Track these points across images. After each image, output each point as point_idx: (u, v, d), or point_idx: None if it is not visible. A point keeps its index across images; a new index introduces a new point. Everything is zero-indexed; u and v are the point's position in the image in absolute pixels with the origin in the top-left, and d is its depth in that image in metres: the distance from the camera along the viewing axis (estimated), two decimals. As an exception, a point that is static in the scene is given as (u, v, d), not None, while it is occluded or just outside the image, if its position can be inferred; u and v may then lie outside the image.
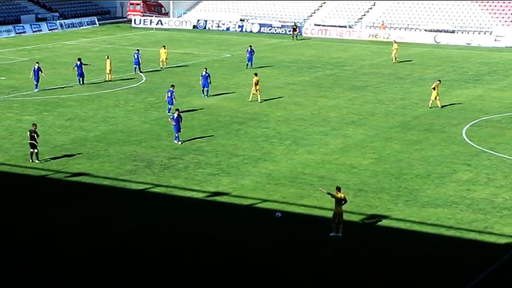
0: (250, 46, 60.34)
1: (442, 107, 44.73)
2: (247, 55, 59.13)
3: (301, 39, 76.84)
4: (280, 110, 44.48)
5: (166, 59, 57.78)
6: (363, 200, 29.07)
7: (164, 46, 59.13)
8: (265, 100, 46.42)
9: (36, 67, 48.91)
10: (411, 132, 39.40)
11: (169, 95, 42.05)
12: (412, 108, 45.14)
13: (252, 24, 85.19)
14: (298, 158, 34.61)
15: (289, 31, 79.77)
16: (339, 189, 25.69)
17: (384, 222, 26.98)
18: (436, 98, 44.86)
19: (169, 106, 42.08)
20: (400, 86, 48.85)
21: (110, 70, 51.88)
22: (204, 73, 44.76)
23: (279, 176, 31.76)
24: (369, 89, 51.27)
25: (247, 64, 59.03)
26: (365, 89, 51.27)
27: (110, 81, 51.35)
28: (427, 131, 39.68)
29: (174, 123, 36.41)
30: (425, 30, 79.07)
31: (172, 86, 43.28)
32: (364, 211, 27.96)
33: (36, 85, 48.63)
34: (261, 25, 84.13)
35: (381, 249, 24.73)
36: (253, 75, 46.67)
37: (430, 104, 44.97)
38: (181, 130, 36.80)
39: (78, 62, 51.08)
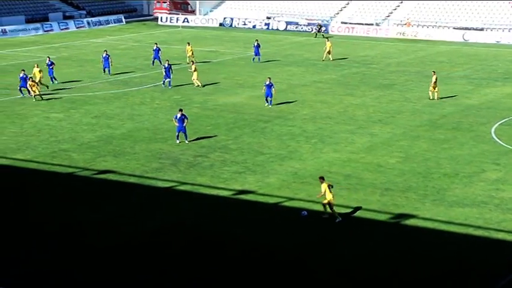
0: (257, 40, 61.07)
1: (440, 98, 45.75)
2: (254, 49, 60.27)
3: (321, 37, 76.64)
4: (306, 108, 44.39)
5: (192, 55, 57.69)
6: (389, 199, 28.90)
7: (189, 43, 59.19)
8: (287, 100, 46.34)
9: (104, 55, 53.10)
10: (439, 131, 39.10)
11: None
12: (440, 107, 44.80)
13: (279, 22, 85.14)
14: (324, 157, 34.51)
15: (315, 29, 79.71)
16: (323, 178, 26.79)
17: (411, 222, 26.81)
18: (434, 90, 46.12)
19: (166, 80, 48.48)
20: (428, 84, 48.47)
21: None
22: (267, 82, 44.28)
23: (305, 175, 31.68)
24: (395, 87, 50.98)
25: (254, 59, 60.10)
26: (392, 87, 50.99)
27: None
28: (455, 130, 39.36)
29: (177, 124, 36.18)
30: (454, 28, 78.44)
31: (167, 60, 49.70)
32: (391, 210, 27.80)
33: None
34: (287, 23, 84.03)
35: (407, 249, 24.57)
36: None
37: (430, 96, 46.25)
38: (186, 130, 36.22)
39: (104, 54, 53.27)
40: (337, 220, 26.37)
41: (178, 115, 36.15)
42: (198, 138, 37.24)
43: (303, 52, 65.73)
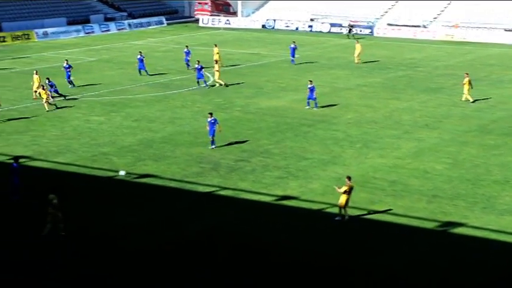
0: (294, 42, 61.13)
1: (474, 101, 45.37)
2: (290, 51, 60.50)
3: (356, 38, 76.22)
4: (350, 112, 44.20)
5: (218, 57, 55.37)
6: (437, 207, 28.60)
7: (216, 45, 59.00)
8: (329, 103, 46.17)
9: (139, 56, 54.09)
10: (489, 137, 38.57)
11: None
12: (490, 111, 44.21)
13: (322, 23, 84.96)
14: (369, 162, 34.31)
15: (346, 30, 79.61)
16: (349, 178, 27.42)
17: (460, 230, 26.49)
18: (467, 92, 45.98)
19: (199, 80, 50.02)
20: (477, 88, 47.89)
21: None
22: (310, 85, 44.39)
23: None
24: (443, 91, 50.45)
25: (293, 60, 60.48)
26: (440, 91, 50.48)
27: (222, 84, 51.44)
28: (506, 135, 38.78)
29: (209, 128, 36.15)
30: (505, 29, 77.30)
31: (198, 61, 50.63)
32: (439, 218, 27.50)
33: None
34: (331, 25, 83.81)
35: (455, 257, 24.28)
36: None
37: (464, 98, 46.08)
38: (214, 135, 36.21)
39: (139, 56, 54.22)
40: (337, 218, 27.19)
41: (209, 119, 36.22)
42: (239, 142, 37.33)
43: (347, 55, 65.45)
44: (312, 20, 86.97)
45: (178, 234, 26.18)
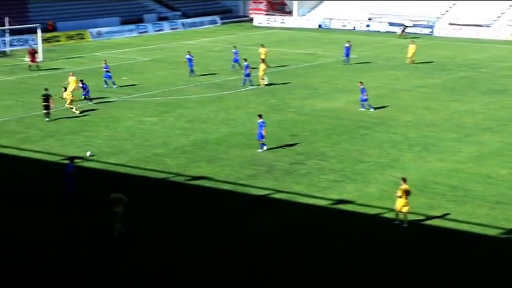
0: (348, 42, 60.99)
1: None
2: (345, 51, 60.30)
3: (410, 38, 75.32)
4: (409, 114, 43.70)
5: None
6: (500, 213, 28.05)
7: (263, 45, 58.76)
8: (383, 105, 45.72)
9: (188, 56, 54.51)
10: (555, 141, 37.70)
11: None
12: (557, 115, 43.22)
13: (380, 23, 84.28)
14: (429, 166, 33.85)
15: (400, 30, 78.95)
16: (404, 180, 27.21)
17: (524, 238, 25.94)
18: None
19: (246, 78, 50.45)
20: (543, 90, 47.01)
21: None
22: (361, 87, 44.30)
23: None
24: (508, 93, 49.52)
25: (346, 60, 60.23)
26: (503, 93, 49.55)
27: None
28: None
29: (260, 130, 35.95)
30: None
31: (245, 59, 51.57)
32: (502, 225, 26.96)
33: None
34: (389, 24, 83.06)
35: (520, 267, 23.77)
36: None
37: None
38: (262, 138, 35.98)
39: (188, 55, 54.61)
40: (395, 222, 26.92)
41: (259, 120, 36.16)
42: (294, 145, 37.24)
43: (406, 55, 64.70)
44: (369, 19, 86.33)
45: (231, 238, 26.21)
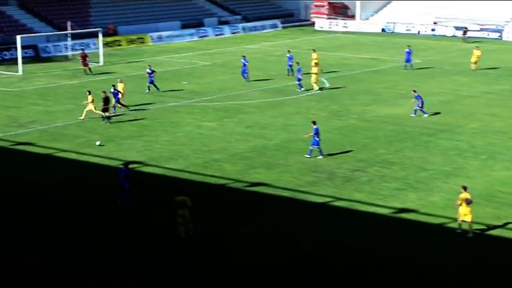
0: (409, 46, 60.58)
1: None
2: (405, 56, 59.83)
3: (472, 42, 74.10)
4: (475, 121, 43.08)
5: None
6: None
7: (314, 50, 58.51)
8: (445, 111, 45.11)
9: (243, 60, 54.84)
10: None
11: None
12: None
13: (446, 27, 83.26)
14: (495, 175, 33.31)
15: (461, 34, 77.84)
16: (465, 188, 26.97)
17: None
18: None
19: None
20: None
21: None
22: (415, 95, 44.20)
23: (473, 194, 30.58)
24: None
25: (406, 66, 59.69)
26: None
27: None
28: None
29: (313, 135, 35.85)
30: None
31: (297, 63, 51.29)
32: None
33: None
34: (456, 28, 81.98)
35: None
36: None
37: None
38: (316, 145, 35.90)
39: (243, 59, 55.05)
40: (457, 231, 26.64)
41: (314, 126, 36.09)
42: (355, 151, 37.07)
43: (470, 60, 63.83)
44: (434, 23, 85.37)
45: (290, 245, 26.25)
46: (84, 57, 59.14)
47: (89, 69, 58.85)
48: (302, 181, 32.82)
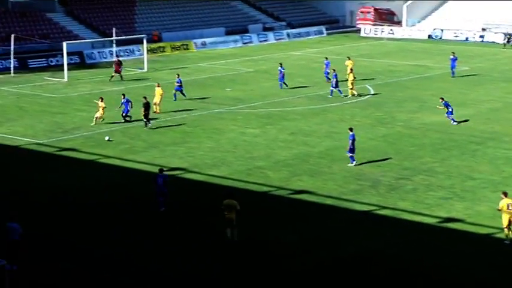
0: (453, 53, 60.04)
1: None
2: (450, 63, 59.35)
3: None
4: (525, 129, 42.53)
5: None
6: None
7: (349, 57, 58.13)
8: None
9: (280, 68, 54.66)
10: None
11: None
12: None
13: (495, 33, 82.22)
14: (545, 185, 32.80)
15: (504, 39, 76.87)
16: (505, 194, 26.71)
17: None
18: None
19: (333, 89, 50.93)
20: None
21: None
22: (444, 102, 44.03)
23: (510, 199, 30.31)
24: None
25: (453, 73, 59.32)
26: None
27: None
28: None
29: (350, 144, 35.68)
30: None
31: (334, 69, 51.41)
32: None
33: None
34: (505, 35, 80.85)
35: None
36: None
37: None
38: (351, 152, 35.82)
39: (280, 67, 54.94)
40: (505, 242, 26.22)
41: (351, 133, 35.92)
42: (400, 159, 36.82)
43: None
44: (483, 29, 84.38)
45: (333, 254, 26.18)
46: (118, 63, 59.40)
47: (121, 76, 58.71)
48: (346, 189, 32.71)
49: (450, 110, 43.78)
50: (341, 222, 29.21)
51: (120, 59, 61.60)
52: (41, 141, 40.62)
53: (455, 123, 43.65)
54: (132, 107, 44.49)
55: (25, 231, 24.86)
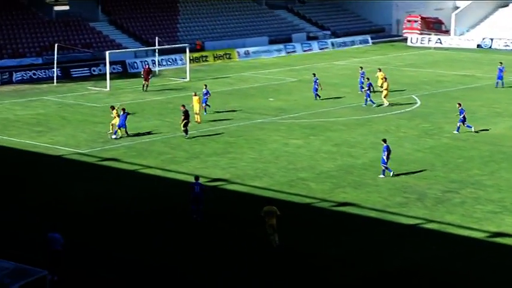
0: (501, 63, 59.42)
1: None
2: (498, 73, 58.93)
3: None
4: None
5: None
6: None
7: (380, 69, 57.60)
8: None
9: (315, 79, 54.64)
10: None
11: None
12: None
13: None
14: None
15: None
16: None
17: None
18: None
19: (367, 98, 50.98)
20: None
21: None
22: (460, 108, 43.76)
23: None
24: None
25: (497, 83, 58.86)
26: None
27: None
28: None
29: (384, 155, 35.47)
30: None
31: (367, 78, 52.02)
32: None
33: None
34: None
35: None
36: None
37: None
38: (385, 162, 35.56)
39: (314, 77, 55.08)
40: None
41: (385, 145, 35.63)
42: (447, 172, 36.42)
43: None
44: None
45: (378, 267, 25.96)
46: (148, 72, 59.67)
47: (147, 85, 58.61)
48: (391, 202, 32.45)
49: (462, 117, 43.43)
50: (386, 236, 28.96)
51: (151, 68, 61.78)
52: (82, 151, 41.05)
53: (456, 132, 43.71)
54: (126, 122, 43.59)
55: (66, 241, 25.08)
